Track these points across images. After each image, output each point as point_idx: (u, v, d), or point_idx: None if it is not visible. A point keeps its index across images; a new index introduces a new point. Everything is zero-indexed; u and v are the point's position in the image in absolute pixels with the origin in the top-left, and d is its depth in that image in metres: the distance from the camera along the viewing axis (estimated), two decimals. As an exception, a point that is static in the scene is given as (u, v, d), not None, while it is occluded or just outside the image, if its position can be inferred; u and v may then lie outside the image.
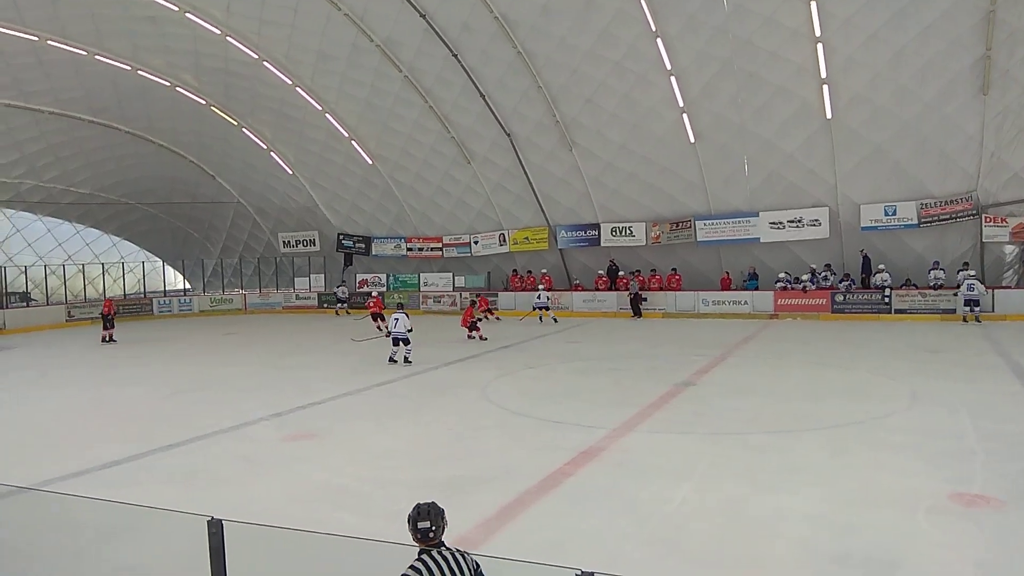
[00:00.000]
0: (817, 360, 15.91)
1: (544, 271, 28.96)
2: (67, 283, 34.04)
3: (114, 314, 23.97)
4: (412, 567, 3.61)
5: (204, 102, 28.01)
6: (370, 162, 29.34)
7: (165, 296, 35.08)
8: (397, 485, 8.21)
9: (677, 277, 26.42)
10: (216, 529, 3.64)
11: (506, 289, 29.78)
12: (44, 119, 27.07)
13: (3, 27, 22.03)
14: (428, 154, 28.11)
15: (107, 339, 22.91)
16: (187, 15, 22.88)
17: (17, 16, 21.93)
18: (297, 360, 18.28)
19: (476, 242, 30.51)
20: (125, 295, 35.21)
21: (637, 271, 26.83)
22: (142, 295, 35.76)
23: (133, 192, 34.18)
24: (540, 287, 27.32)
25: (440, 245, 31.53)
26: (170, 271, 39.82)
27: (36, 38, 22.85)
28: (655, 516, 7.05)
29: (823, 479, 7.88)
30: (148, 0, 22.19)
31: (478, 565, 3.75)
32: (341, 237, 33.60)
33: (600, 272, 27.71)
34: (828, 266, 24.09)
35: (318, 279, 34.67)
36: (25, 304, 30.82)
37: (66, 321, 29.70)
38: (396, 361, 16.55)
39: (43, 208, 32.62)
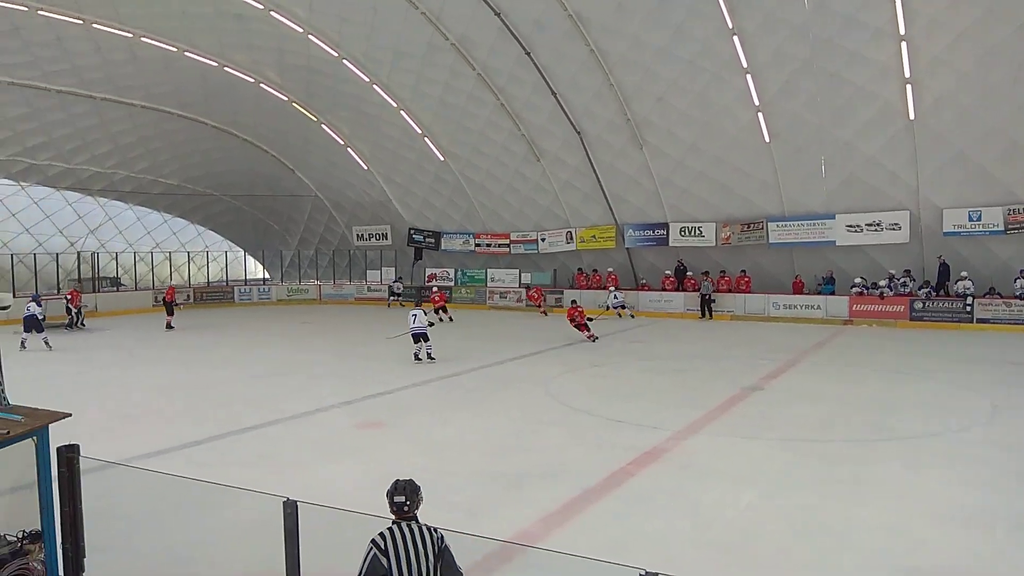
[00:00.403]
0: (893, 368, 15.38)
1: (610, 270, 28.82)
2: (154, 270, 35.82)
3: (175, 302, 24.87)
4: (380, 533, 3.86)
5: (286, 98, 28.96)
6: (442, 159, 29.79)
7: (246, 284, 36.47)
8: (460, 476, 8.40)
9: (747, 279, 25.89)
10: (291, 510, 3.84)
11: (572, 287, 29.77)
12: (137, 112, 28.48)
13: (101, 24, 23.28)
14: (499, 152, 28.34)
15: (169, 326, 23.79)
16: (271, 13, 23.69)
17: (114, 13, 23.14)
18: (368, 350, 18.77)
19: (543, 239, 30.60)
20: (209, 283, 36.83)
21: (706, 272, 26.42)
22: (224, 283, 37.30)
23: (218, 184, 35.64)
24: (611, 288, 27.23)
25: (508, 242, 31.76)
26: (251, 261, 41.42)
27: (131, 35, 24.05)
28: (719, 521, 7.01)
29: (897, 492, 7.67)
30: (236, -1, 23.12)
31: (443, 539, 3.94)
32: (412, 232, 34.23)
33: (667, 272, 27.39)
34: (907, 272, 23.17)
35: (389, 272, 35.42)
36: (115, 289, 32.55)
37: (152, 306, 31.19)
38: (421, 359, 16.22)
39: (134, 197, 34.35)
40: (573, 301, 23.17)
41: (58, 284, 30.41)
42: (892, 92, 20.16)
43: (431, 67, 25.57)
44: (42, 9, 21.79)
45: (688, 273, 26.99)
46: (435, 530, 3.95)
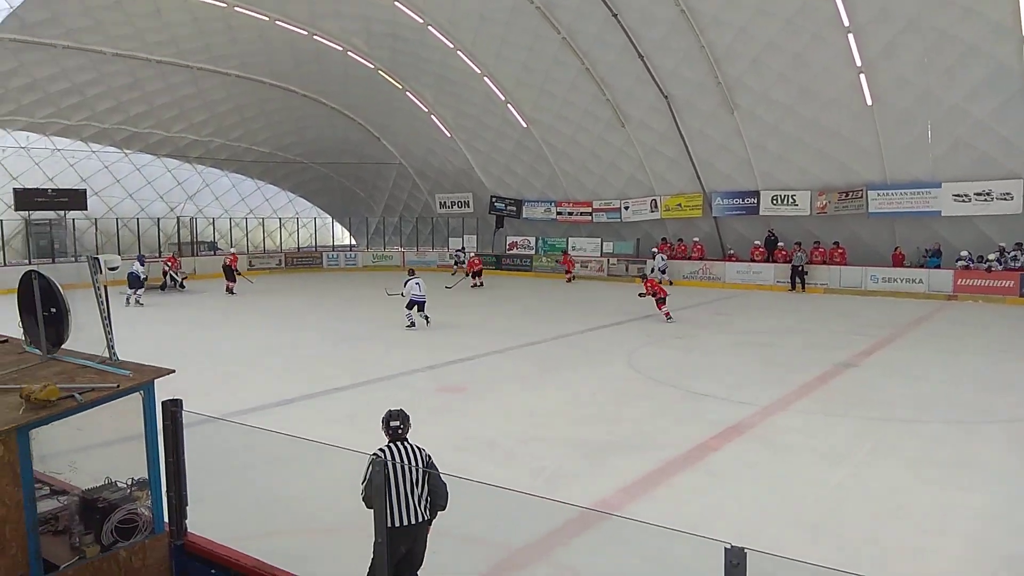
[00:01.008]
0: (999, 347, 14.46)
1: (696, 239, 28.14)
2: (248, 234, 37.32)
3: (236, 269, 25.50)
4: (380, 449, 4.75)
5: (372, 66, 29.33)
6: (524, 125, 29.61)
7: (333, 251, 37.58)
8: (540, 443, 8.45)
9: (841, 250, 24.77)
10: (379, 467, 3.95)
11: (654, 257, 29.25)
12: (231, 82, 29.48)
13: (198, -5, 24.12)
14: (582, 117, 27.92)
15: (229, 291, 24.53)
16: (359, -19, 23.99)
17: (210, -15, 23.94)
18: (450, 317, 19.04)
19: (627, 207, 30.09)
20: (299, 248, 38.13)
21: (799, 243, 25.46)
22: (313, 249, 38.53)
23: (307, 152, 36.63)
24: (657, 253, 27.15)
25: (590, 210, 31.40)
26: (338, 227, 42.59)
27: (225, 5, 24.77)
28: (807, 499, 6.81)
29: (999, 475, 7.26)
30: (324, -33, 23.46)
31: (430, 457, 4.84)
32: (494, 199, 34.32)
33: (757, 242, 26.49)
34: (1019, 245, 21.61)
35: (471, 240, 35.73)
36: (212, 253, 34.11)
37: (247, 270, 32.60)
38: (415, 324, 16.49)
39: (229, 164, 35.72)
40: (643, 274, 22.57)
41: (159, 247, 32.12)
42: (1007, 51, 18.66)
43: (515, 31, 25.32)
44: (145, -18, 22.72)
45: (779, 244, 26.04)
46: (422, 449, 4.84)
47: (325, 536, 6.17)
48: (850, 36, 20.29)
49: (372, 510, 4.08)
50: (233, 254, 26.82)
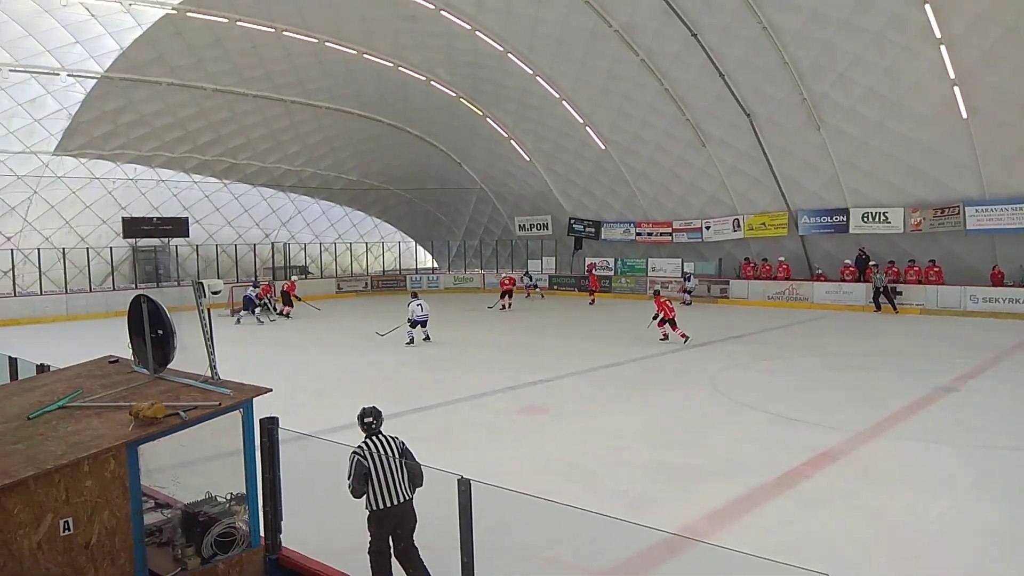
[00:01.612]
0: (1123, 373, 13.39)
1: (781, 259, 27.33)
2: (337, 259, 38.66)
3: (295, 295, 26.58)
4: (359, 446, 5.36)
5: (454, 94, 30.06)
6: (603, 147, 29.61)
7: (416, 273, 38.43)
8: (624, 466, 8.36)
9: (937, 269, 23.54)
10: (465, 488, 4.00)
11: (738, 277, 28.58)
12: (322, 114, 30.80)
13: (291, 32, 25.37)
14: (661, 138, 27.71)
15: (285, 314, 25.62)
16: (442, 12, 24.63)
17: (301, 22, 25.14)
18: (527, 338, 19.12)
19: (708, 227, 29.56)
20: (384, 271, 39.19)
21: (892, 262, 24.37)
22: (398, 272, 39.53)
23: (392, 178, 37.74)
24: (688, 273, 27.21)
25: (670, 230, 30.99)
26: (421, 251, 43.55)
27: (316, 40, 26.03)
28: (905, 530, 6.48)
29: (1124, 513, 6.70)
30: (409, 0, 24.25)
31: (404, 444, 5.49)
32: (572, 221, 34.37)
33: (847, 261, 25.49)
34: None
35: (549, 262, 35.86)
36: (303, 276, 35.47)
37: (336, 292, 33.76)
38: (413, 341, 17.76)
39: (319, 192, 37.20)
40: (656, 291, 20.67)
41: (255, 272, 33.64)
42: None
43: (593, 55, 25.45)
44: (240, 20, 24.07)
45: (871, 263, 25.00)
46: (396, 438, 5.50)
47: (410, 554, 6.26)
48: (942, 48, 19.42)
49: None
50: (292, 282, 27.78)
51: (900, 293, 23.69)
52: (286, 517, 5.09)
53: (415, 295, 19.16)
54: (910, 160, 22.66)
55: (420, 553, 5.43)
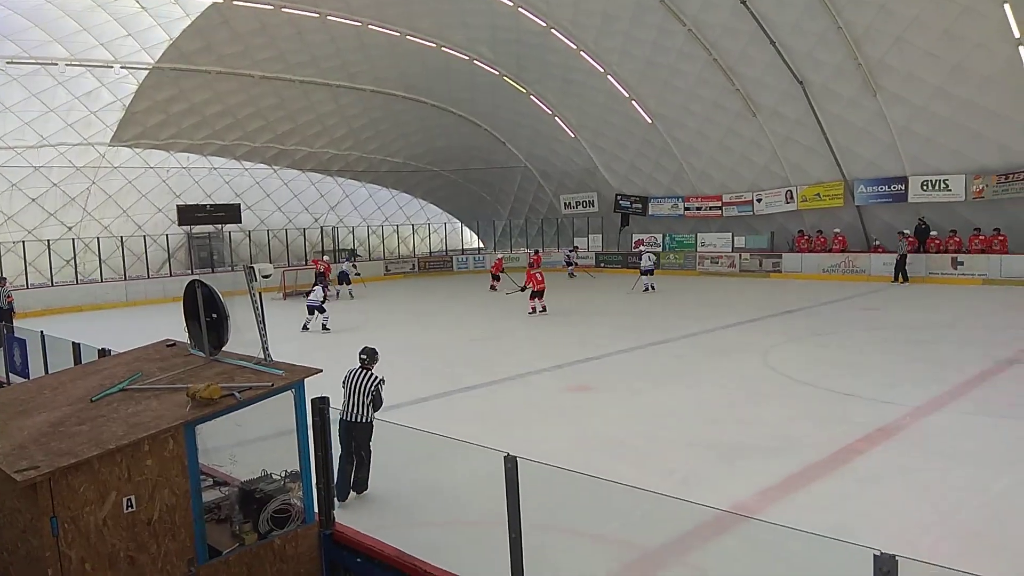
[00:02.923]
0: None
1: (837, 231, 26.59)
2: (384, 241, 39.09)
3: (328, 276, 26.52)
4: (349, 370, 7.12)
5: (497, 73, 29.92)
6: (649, 121, 29.14)
7: (463, 254, 38.63)
8: (671, 443, 8.30)
9: (1002, 238, 22.60)
10: (511, 465, 4.03)
11: (791, 250, 27.92)
12: (367, 97, 31.02)
13: (335, 16, 25.54)
14: (709, 109, 27.11)
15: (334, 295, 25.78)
16: (484, -10, 24.55)
17: (344, 6, 25.28)
18: (573, 316, 19.05)
19: (759, 200, 28.90)
20: (430, 253, 39.53)
21: (953, 231, 23.50)
22: (444, 253, 39.80)
23: (437, 160, 37.88)
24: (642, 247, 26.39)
25: (720, 204, 30.40)
26: (467, 231, 43.72)
27: (359, 23, 26.16)
28: (965, 507, 6.30)
29: None
30: (451, -20, 24.21)
31: (380, 382, 7.04)
32: (619, 198, 34.00)
33: (905, 231, 24.67)
34: None
35: (596, 239, 35.60)
36: (352, 260, 35.96)
37: (384, 274, 34.16)
38: (308, 328, 17.64)
39: (366, 176, 37.58)
40: (529, 263, 22.53)
41: (305, 256, 34.24)
42: None
43: (639, 27, 24.98)
44: (285, 7, 24.34)
45: (932, 232, 24.15)
46: (375, 377, 7.04)
47: (461, 528, 6.38)
48: (1006, 7, 18.48)
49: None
50: (327, 263, 27.96)
51: (962, 263, 22.87)
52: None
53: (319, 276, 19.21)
54: (972, 125, 21.71)
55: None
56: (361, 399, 6.90)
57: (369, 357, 7.19)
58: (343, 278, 26.37)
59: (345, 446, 6.90)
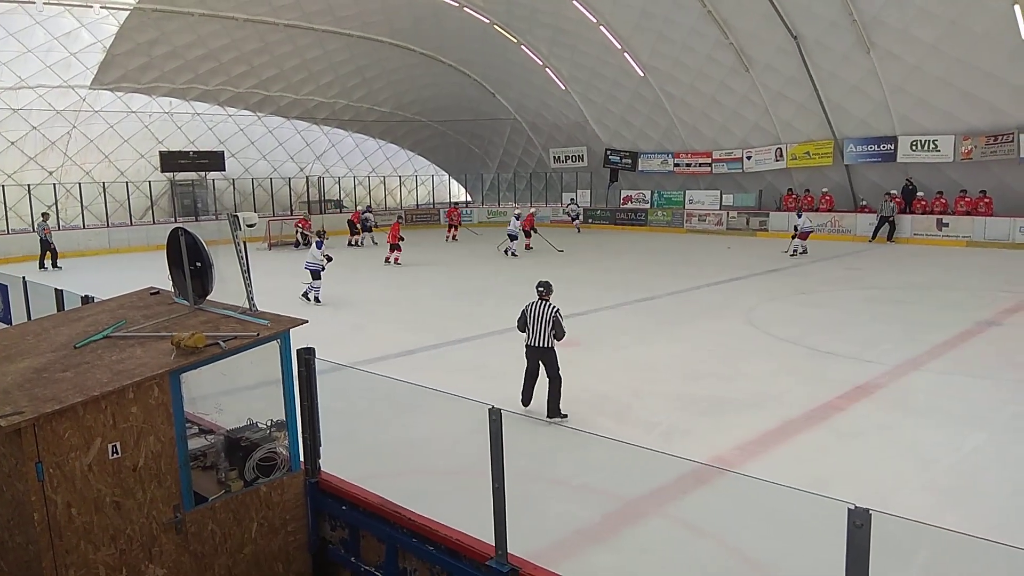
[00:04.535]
0: None
1: (825, 190, 26.60)
2: (371, 192, 38.68)
3: (360, 224, 27.68)
4: (529, 303, 7.84)
5: (488, 21, 29.25)
6: (641, 74, 28.75)
7: (466, 207, 38.27)
8: (655, 398, 8.41)
9: (987, 200, 22.72)
10: (496, 417, 4.07)
11: (779, 209, 27.95)
12: (353, 43, 30.28)
13: (322, -43, 24.79)
14: (703, 63, 26.77)
15: (353, 243, 26.73)
16: (473, -65, 23.84)
17: (331, -53, 24.55)
18: (561, 272, 19.07)
19: (749, 157, 28.79)
20: (417, 205, 39.19)
21: (940, 192, 23.60)
22: (431, 205, 39.47)
23: (425, 110, 37.28)
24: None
25: (709, 160, 30.26)
26: (455, 184, 43.32)
27: (345, -36, 25.47)
28: (939, 463, 6.46)
29: None
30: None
31: (556, 311, 7.68)
32: (608, 152, 33.72)
33: (892, 192, 24.72)
34: None
35: (584, 195, 35.41)
36: (338, 210, 35.59)
37: (375, 228, 33.87)
38: (309, 298, 15.05)
39: (352, 125, 36.94)
40: (399, 217, 25.87)
41: (291, 206, 33.88)
42: None
43: (633, -24, 24.46)
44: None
45: (919, 193, 24.23)
46: (553, 306, 7.69)
47: (445, 478, 6.47)
48: (1006, -39, 18.26)
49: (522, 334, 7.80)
50: (356, 212, 28.74)
51: (947, 224, 23.03)
52: (325, 443, 5.27)
53: (319, 234, 16.71)
54: (964, 85, 21.61)
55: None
56: (543, 327, 7.59)
57: (546, 289, 7.79)
58: (367, 226, 27.53)
59: (532, 365, 7.80)
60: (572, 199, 34.66)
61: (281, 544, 4.98)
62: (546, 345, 7.63)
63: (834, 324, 12.06)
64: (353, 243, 26.90)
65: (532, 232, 24.76)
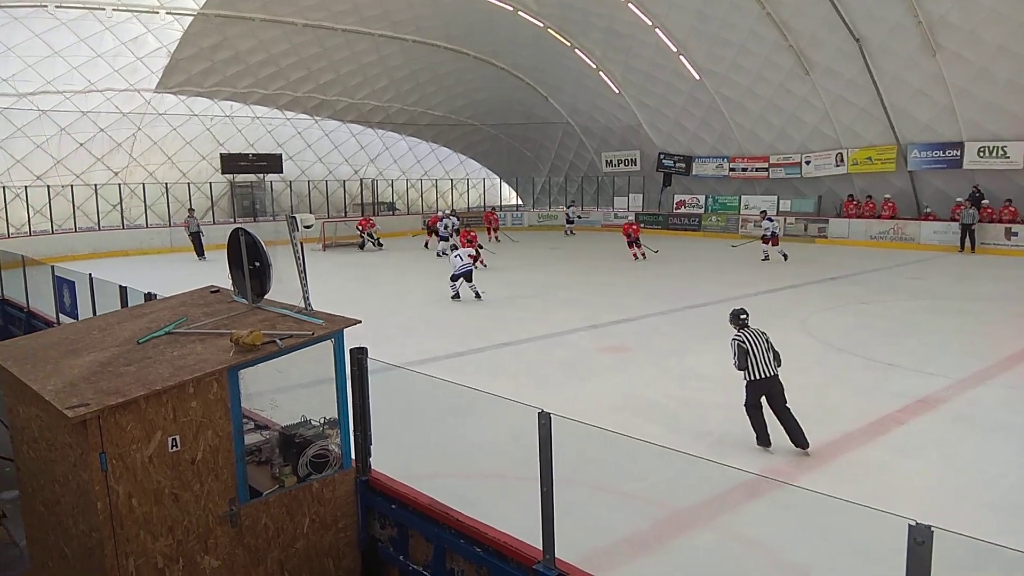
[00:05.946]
0: None
1: (887, 196, 25.81)
2: (423, 195, 39.09)
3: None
4: (736, 335, 7.06)
5: (541, 25, 29.30)
6: (697, 77, 28.38)
7: (500, 210, 38.41)
8: (704, 406, 8.27)
9: (1063, 208, 21.78)
10: (545, 421, 4.05)
11: (839, 215, 27.21)
12: (408, 47, 30.71)
13: (378, -36, 25.21)
14: (761, 66, 26.28)
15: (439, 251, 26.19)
16: (529, -61, 23.92)
17: (388, -47, 24.95)
18: (610, 277, 18.94)
19: (808, 162, 28.12)
20: (468, 208, 39.43)
21: (1008, 200, 22.67)
22: (482, 208, 39.68)
23: (477, 114, 37.52)
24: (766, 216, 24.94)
25: (766, 165, 29.66)
26: (506, 187, 43.46)
27: (402, -30, 25.85)
28: (1005, 480, 6.19)
29: None
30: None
31: (766, 334, 7.07)
32: (662, 156, 33.37)
33: (959, 199, 23.82)
34: None
35: (636, 199, 35.11)
36: (391, 212, 36.12)
37: (422, 229, 34.14)
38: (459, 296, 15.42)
39: (406, 129, 37.41)
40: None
41: (345, 208, 34.45)
42: None
43: (689, -22, 24.19)
44: (330, -45, 24.07)
45: (985, 201, 23.31)
46: (764, 331, 7.12)
47: (492, 481, 6.48)
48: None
49: (741, 372, 6.94)
50: (435, 216, 28.44)
51: (1016, 234, 22.14)
52: (376, 442, 5.33)
53: (454, 247, 17.30)
54: (1036, 88, 20.74)
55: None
56: (766, 353, 6.94)
57: (746, 314, 7.30)
58: (444, 234, 24.84)
59: (758, 401, 6.95)
60: (572, 201, 34.54)
61: (332, 540, 5.05)
62: (776, 371, 6.94)
63: (895, 335, 11.68)
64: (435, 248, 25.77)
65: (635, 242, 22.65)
